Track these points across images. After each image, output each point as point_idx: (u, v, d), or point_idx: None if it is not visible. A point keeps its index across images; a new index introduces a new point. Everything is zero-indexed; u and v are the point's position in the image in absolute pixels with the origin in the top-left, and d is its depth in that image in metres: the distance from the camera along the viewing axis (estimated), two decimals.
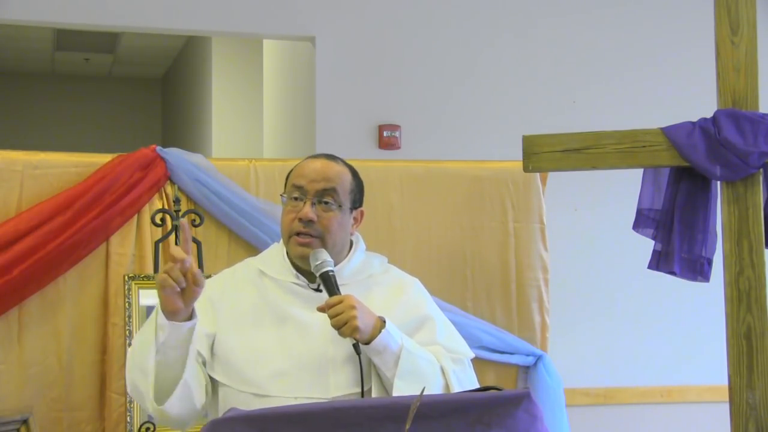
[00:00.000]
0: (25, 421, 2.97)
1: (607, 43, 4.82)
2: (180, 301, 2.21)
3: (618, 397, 4.66)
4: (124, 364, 3.01)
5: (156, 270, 3.14)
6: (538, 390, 3.39)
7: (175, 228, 3.19)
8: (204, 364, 2.43)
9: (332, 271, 2.40)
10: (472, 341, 3.32)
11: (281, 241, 2.56)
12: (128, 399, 2.98)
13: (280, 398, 2.31)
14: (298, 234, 2.44)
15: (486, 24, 4.72)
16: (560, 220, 4.17)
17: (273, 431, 1.90)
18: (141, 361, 2.28)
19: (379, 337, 2.33)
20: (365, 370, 2.35)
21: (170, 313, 2.22)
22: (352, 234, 2.56)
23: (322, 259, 2.40)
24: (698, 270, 3.01)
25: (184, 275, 2.18)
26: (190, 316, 2.26)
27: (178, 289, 2.19)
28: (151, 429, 3.03)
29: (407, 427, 1.81)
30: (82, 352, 3.11)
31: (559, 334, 3.75)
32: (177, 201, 3.21)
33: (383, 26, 4.62)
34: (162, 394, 2.27)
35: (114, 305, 3.12)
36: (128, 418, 3.00)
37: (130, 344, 3.01)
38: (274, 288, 2.50)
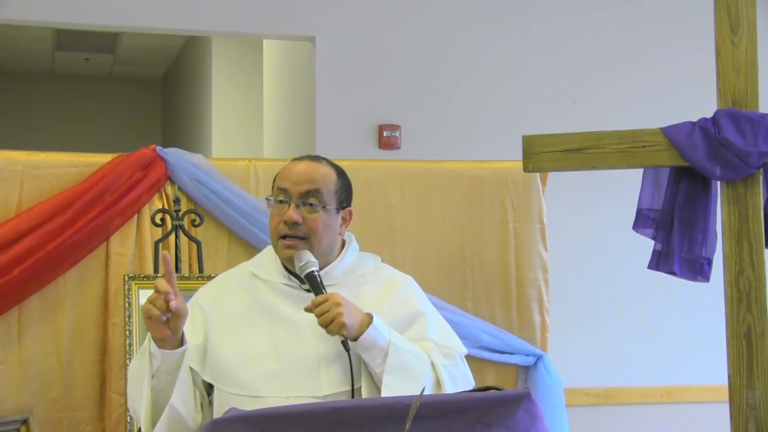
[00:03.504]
0: (25, 421, 2.97)
1: (607, 43, 4.82)
2: (167, 329, 2.25)
3: (618, 397, 4.66)
4: (124, 364, 3.02)
5: (156, 270, 3.14)
6: (538, 390, 3.39)
7: (176, 228, 3.19)
8: (200, 380, 2.45)
9: (317, 271, 2.41)
10: (472, 341, 3.33)
11: None
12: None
13: (272, 398, 2.32)
14: (284, 237, 2.46)
15: (486, 24, 4.71)
16: (560, 220, 4.17)
17: (273, 431, 1.90)
18: (137, 389, 2.32)
19: (366, 332, 2.33)
20: (355, 367, 2.35)
21: (159, 341, 2.27)
22: (341, 234, 2.55)
23: (306, 260, 2.42)
24: (698, 270, 3.01)
25: (168, 306, 2.21)
26: (181, 342, 2.30)
27: (164, 319, 2.23)
28: None
29: (407, 427, 1.81)
30: (82, 352, 3.12)
31: (559, 334, 3.75)
32: (177, 201, 3.21)
33: (383, 26, 4.62)
34: (156, 418, 2.31)
35: (114, 305, 3.12)
36: (128, 418, 3.00)
37: (130, 344, 3.02)
38: (265, 289, 2.51)
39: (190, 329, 2.47)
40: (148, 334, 2.30)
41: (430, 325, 2.53)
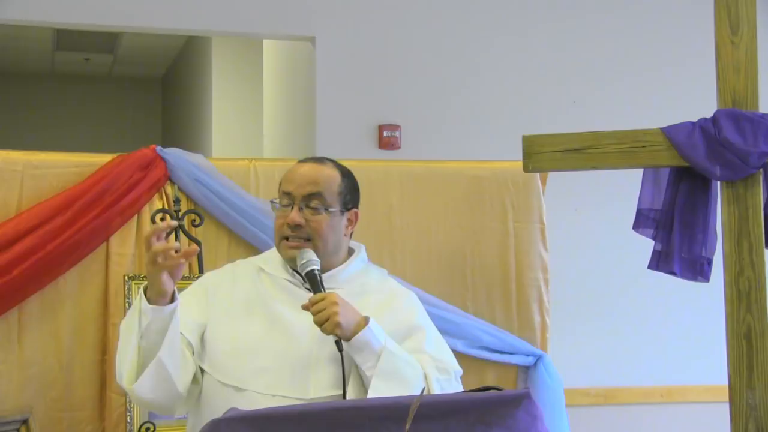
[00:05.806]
0: (25, 421, 2.97)
1: (607, 43, 4.82)
2: (171, 282, 2.25)
3: (618, 397, 4.66)
4: None
5: None
6: (538, 390, 3.39)
7: (176, 228, 3.19)
8: (194, 352, 2.45)
9: (317, 270, 2.42)
10: (472, 341, 3.33)
11: None
12: (128, 399, 2.98)
13: (258, 394, 2.33)
14: (287, 238, 2.47)
15: (486, 24, 4.72)
16: (560, 220, 4.16)
17: (273, 431, 1.90)
18: (125, 345, 2.31)
19: (360, 333, 2.33)
20: (347, 369, 2.35)
21: (157, 295, 2.25)
22: (347, 235, 2.56)
23: (307, 258, 2.43)
24: (698, 270, 3.01)
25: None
26: (172, 298, 2.29)
27: (181, 263, 2.23)
28: (151, 429, 3.03)
29: (407, 427, 1.81)
30: (82, 352, 3.11)
31: (559, 334, 3.74)
32: (177, 201, 3.22)
33: (383, 26, 4.62)
34: (140, 374, 2.29)
35: (114, 305, 3.12)
36: (128, 418, 3.00)
37: None
38: (269, 283, 2.52)
39: (193, 307, 2.48)
40: (139, 293, 2.28)
41: (427, 340, 2.53)
